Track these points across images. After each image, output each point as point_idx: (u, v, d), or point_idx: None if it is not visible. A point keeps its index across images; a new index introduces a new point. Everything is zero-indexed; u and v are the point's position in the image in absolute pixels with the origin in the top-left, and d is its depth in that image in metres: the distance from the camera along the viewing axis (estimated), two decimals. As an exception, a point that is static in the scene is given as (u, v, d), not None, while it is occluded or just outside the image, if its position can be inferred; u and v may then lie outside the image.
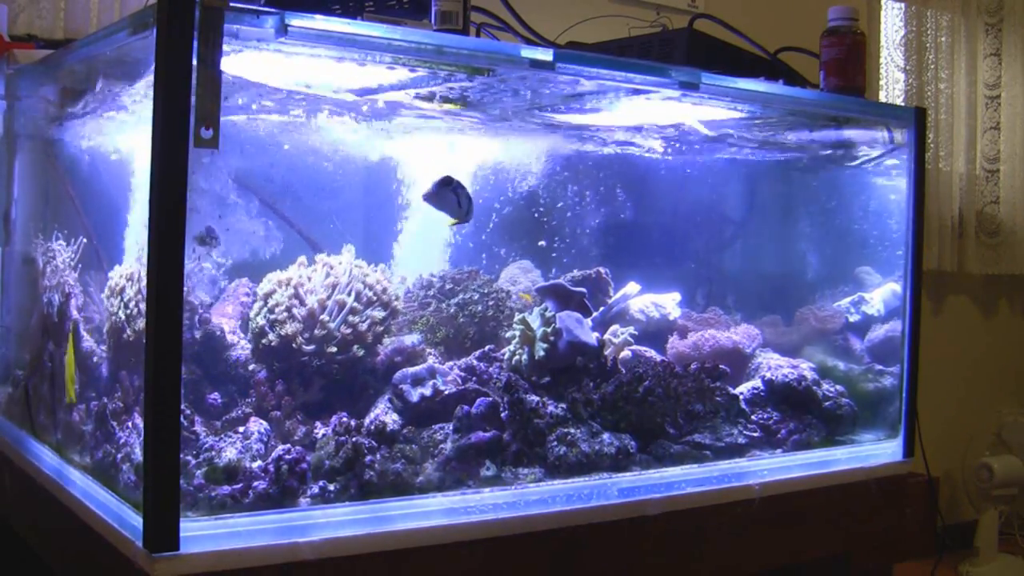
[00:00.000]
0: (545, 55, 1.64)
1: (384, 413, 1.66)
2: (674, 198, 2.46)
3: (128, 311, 1.56)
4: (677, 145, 2.35)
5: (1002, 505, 3.40)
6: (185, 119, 1.26)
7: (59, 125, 1.94)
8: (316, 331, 1.71)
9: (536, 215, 2.43)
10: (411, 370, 1.73)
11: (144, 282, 1.33)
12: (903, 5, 3.51)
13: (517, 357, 1.86)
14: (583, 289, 2.07)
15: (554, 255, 2.35)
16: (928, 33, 3.52)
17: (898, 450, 2.09)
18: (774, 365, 2.12)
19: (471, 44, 1.64)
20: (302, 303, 1.72)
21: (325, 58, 1.52)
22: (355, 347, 1.73)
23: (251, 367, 1.69)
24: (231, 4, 1.29)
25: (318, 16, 1.42)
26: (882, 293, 2.30)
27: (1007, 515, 3.46)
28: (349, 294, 1.75)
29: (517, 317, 1.91)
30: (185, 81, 1.25)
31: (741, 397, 1.99)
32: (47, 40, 2.07)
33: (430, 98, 1.83)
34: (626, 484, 1.68)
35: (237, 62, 1.45)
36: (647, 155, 2.39)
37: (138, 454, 1.40)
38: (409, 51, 1.52)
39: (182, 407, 1.29)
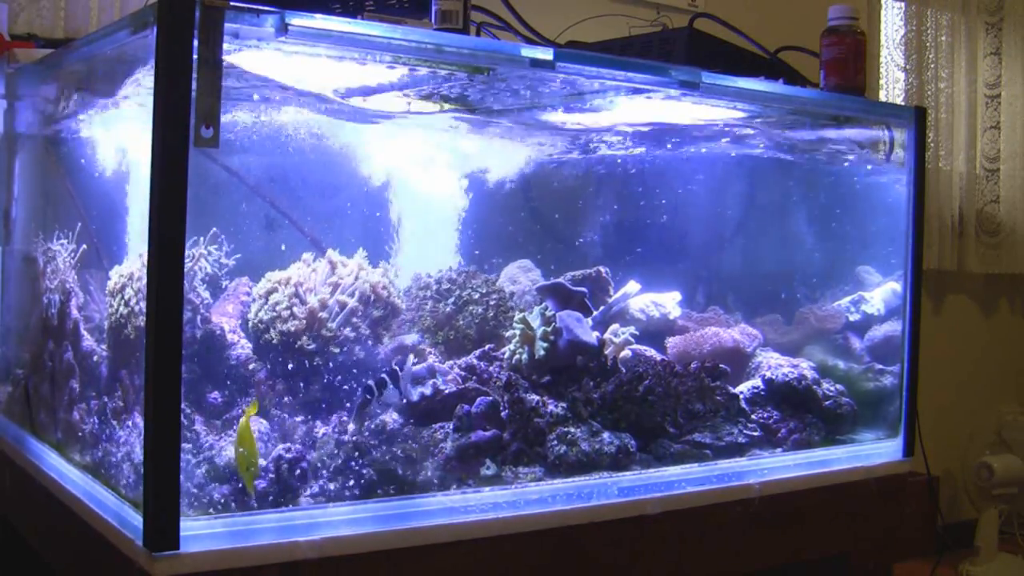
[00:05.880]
0: (545, 54, 1.64)
1: (384, 412, 1.66)
2: (674, 197, 2.46)
3: (128, 309, 1.56)
4: (677, 144, 2.35)
5: (1002, 504, 3.40)
6: (185, 118, 1.26)
7: (59, 124, 1.94)
8: (317, 330, 1.71)
9: (535, 215, 2.43)
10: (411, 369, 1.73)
11: (144, 281, 1.33)
12: (903, 4, 3.51)
13: (517, 356, 1.86)
14: (583, 288, 2.07)
15: (554, 254, 2.35)
16: (928, 32, 3.51)
17: (898, 449, 2.09)
18: (774, 364, 2.12)
19: (471, 43, 1.64)
20: (303, 302, 1.72)
21: (325, 57, 1.52)
22: (355, 346, 1.73)
23: (251, 366, 1.69)
24: (231, 3, 1.30)
25: (318, 15, 1.42)
26: (882, 292, 2.30)
27: (1007, 514, 3.46)
28: (352, 295, 1.75)
29: (517, 316, 1.91)
30: (185, 80, 1.25)
31: (741, 396, 1.99)
32: (47, 39, 2.07)
33: (430, 97, 1.83)
34: (626, 483, 1.68)
35: (237, 61, 1.45)
36: (647, 154, 2.39)
37: (138, 453, 1.40)
38: (409, 50, 1.52)
39: (182, 406, 1.29)
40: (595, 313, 2.09)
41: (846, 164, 2.42)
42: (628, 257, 2.36)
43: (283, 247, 1.88)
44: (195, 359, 1.63)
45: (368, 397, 1.62)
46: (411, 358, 1.72)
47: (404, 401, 1.66)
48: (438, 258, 2.18)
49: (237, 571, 1.31)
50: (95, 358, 1.69)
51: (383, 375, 1.64)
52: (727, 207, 2.57)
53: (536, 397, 1.73)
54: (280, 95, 1.78)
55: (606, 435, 1.72)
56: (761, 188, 2.56)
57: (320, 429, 1.59)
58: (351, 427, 1.59)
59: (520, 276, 2.28)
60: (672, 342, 2.17)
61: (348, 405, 1.65)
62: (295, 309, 1.71)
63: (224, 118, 1.29)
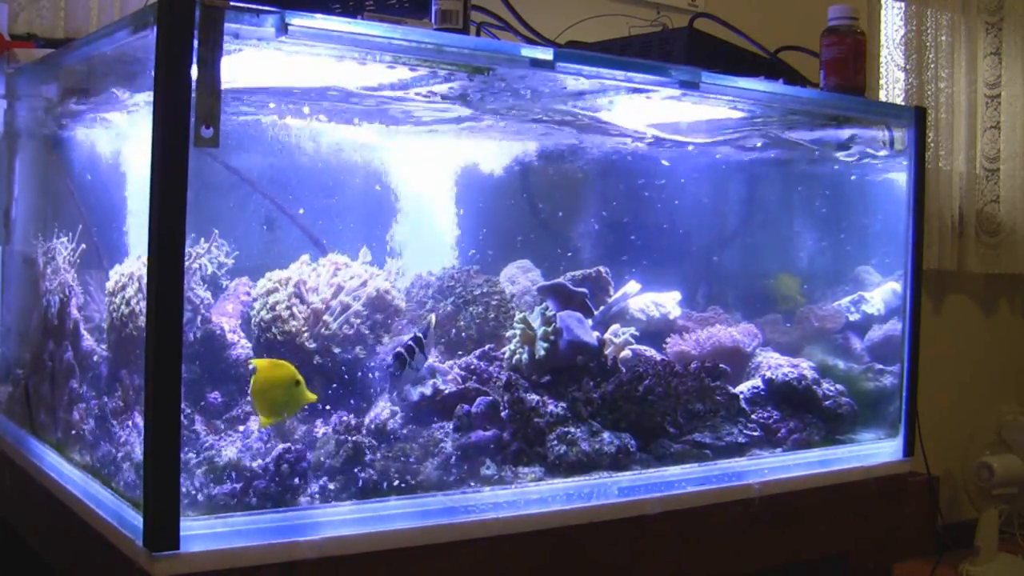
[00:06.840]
0: (545, 54, 1.64)
1: (384, 412, 1.66)
2: (674, 197, 2.46)
3: (128, 309, 1.56)
4: (676, 144, 2.35)
5: (1002, 504, 3.40)
6: (185, 118, 1.26)
7: (59, 124, 1.94)
8: (318, 330, 1.71)
9: (535, 214, 2.43)
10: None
11: (144, 281, 1.33)
12: (903, 4, 3.51)
13: (517, 356, 1.86)
14: (584, 289, 2.07)
15: (554, 254, 2.35)
16: (928, 32, 3.51)
17: (898, 449, 2.08)
18: (774, 364, 2.12)
19: (471, 43, 1.63)
20: (303, 302, 1.72)
21: (325, 57, 1.52)
22: (356, 346, 1.73)
23: (252, 366, 1.69)
24: (231, 3, 1.30)
25: (318, 15, 1.42)
26: (882, 292, 2.30)
27: (1007, 514, 3.46)
28: (358, 299, 1.75)
29: (517, 316, 1.91)
30: (185, 80, 1.25)
31: (741, 396, 1.99)
32: (47, 39, 2.07)
33: (430, 97, 1.83)
34: (626, 483, 1.68)
35: (238, 61, 1.45)
36: (647, 154, 2.39)
37: (138, 453, 1.40)
38: (409, 50, 1.52)
39: (182, 406, 1.29)
40: (595, 313, 2.09)
41: (846, 164, 2.42)
42: (628, 257, 2.36)
43: (284, 245, 1.88)
44: (195, 359, 1.63)
45: (400, 366, 1.64)
46: (432, 318, 1.77)
47: (427, 364, 1.70)
48: (438, 258, 2.18)
49: (237, 571, 1.31)
50: (95, 358, 1.69)
51: (410, 342, 1.66)
52: (727, 207, 2.57)
53: (536, 397, 1.73)
54: (280, 95, 1.78)
55: (606, 435, 1.72)
56: (761, 188, 2.56)
57: (320, 428, 1.59)
58: (387, 402, 1.62)
59: (520, 276, 2.28)
60: (672, 342, 2.17)
61: (376, 393, 1.68)
62: (295, 309, 1.71)
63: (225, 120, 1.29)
